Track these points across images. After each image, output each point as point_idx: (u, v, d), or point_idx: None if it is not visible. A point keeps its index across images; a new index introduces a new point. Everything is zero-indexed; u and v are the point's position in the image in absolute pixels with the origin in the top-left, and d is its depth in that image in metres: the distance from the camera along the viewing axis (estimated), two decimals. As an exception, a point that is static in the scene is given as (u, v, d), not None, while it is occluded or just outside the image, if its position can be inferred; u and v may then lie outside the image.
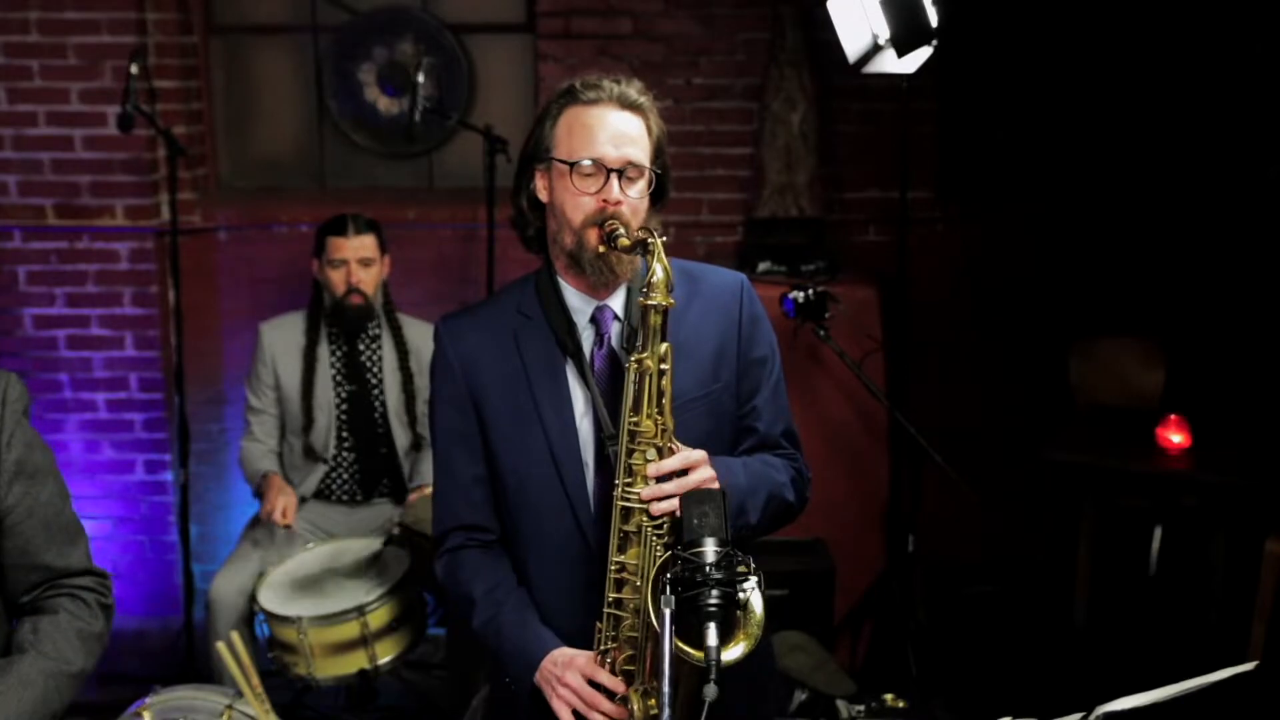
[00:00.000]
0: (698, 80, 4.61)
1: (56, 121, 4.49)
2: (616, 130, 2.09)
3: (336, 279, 3.84)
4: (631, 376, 1.99)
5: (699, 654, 1.75)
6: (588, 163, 2.07)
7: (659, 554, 1.97)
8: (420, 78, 4.21)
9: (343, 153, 4.88)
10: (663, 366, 1.98)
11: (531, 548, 2.20)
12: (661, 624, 1.75)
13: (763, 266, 4.35)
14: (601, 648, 2.07)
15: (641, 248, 2.01)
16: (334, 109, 4.81)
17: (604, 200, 2.07)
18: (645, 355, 1.97)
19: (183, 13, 4.60)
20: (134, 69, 3.93)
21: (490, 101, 4.79)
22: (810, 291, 3.98)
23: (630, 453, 2.00)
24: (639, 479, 1.99)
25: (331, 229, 3.85)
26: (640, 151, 2.11)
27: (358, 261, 3.83)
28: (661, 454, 1.99)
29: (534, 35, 4.68)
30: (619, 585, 2.03)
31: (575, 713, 2.06)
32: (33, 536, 1.98)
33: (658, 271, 1.96)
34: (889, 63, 3.86)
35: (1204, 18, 4.49)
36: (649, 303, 1.96)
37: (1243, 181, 4.57)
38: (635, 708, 2.00)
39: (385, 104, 4.77)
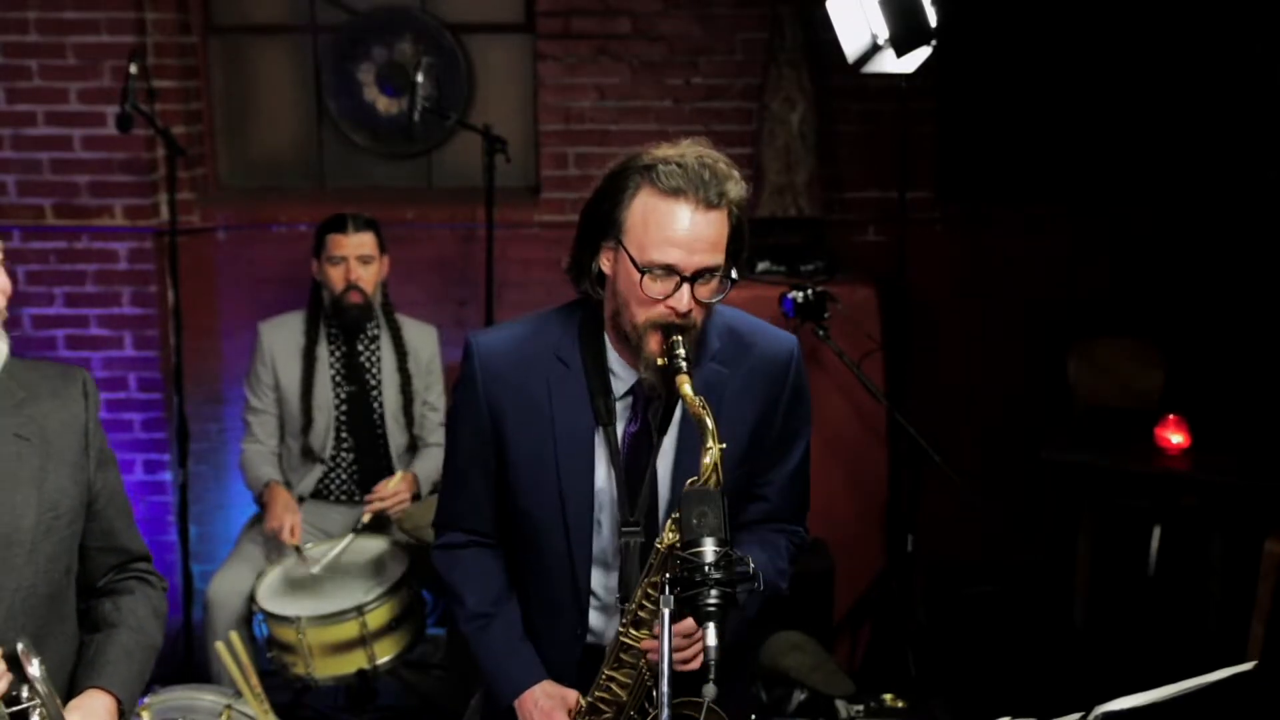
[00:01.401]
0: (697, 80, 4.61)
1: (55, 121, 4.48)
2: (696, 235, 1.93)
3: (335, 276, 3.83)
4: (660, 553, 1.94)
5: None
6: (660, 267, 1.93)
7: (649, 684, 2.00)
8: (419, 77, 4.21)
9: (342, 153, 4.88)
10: None
11: (530, 581, 2.19)
12: (660, 625, 1.75)
13: (762, 266, 4.35)
14: (579, 718, 2.09)
15: (697, 425, 1.89)
16: (333, 109, 4.80)
17: (672, 308, 1.95)
18: (678, 539, 1.89)
19: (182, 12, 4.60)
20: (133, 69, 3.93)
21: (489, 101, 4.79)
22: (809, 291, 3.98)
23: (642, 606, 1.99)
24: (644, 629, 2.01)
25: (331, 227, 3.86)
26: (717, 254, 1.96)
27: (357, 259, 3.83)
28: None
29: (533, 35, 4.68)
30: (605, 689, 2.07)
31: None
32: (114, 519, 2.11)
33: (708, 467, 1.86)
34: (888, 62, 3.86)
35: (1204, 18, 4.49)
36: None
37: (1242, 182, 4.57)
38: None
39: (384, 104, 4.76)
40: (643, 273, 1.94)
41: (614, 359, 2.08)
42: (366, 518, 3.77)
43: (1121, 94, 4.61)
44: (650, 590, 1.98)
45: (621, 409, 2.09)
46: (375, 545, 3.71)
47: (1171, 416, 4.03)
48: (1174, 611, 4.26)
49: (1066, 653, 4.12)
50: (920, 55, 3.82)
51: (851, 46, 3.93)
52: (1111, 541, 4.28)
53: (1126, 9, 4.54)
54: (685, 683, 1.92)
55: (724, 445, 1.87)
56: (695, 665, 1.94)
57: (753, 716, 2.29)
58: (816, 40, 4.39)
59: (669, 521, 1.94)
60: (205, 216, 4.71)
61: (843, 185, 4.69)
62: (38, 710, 1.83)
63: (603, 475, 2.09)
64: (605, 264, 2.03)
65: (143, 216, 4.56)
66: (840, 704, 3.42)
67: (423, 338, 4.03)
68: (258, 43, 4.84)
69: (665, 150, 1.98)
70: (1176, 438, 3.99)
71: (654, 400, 2.07)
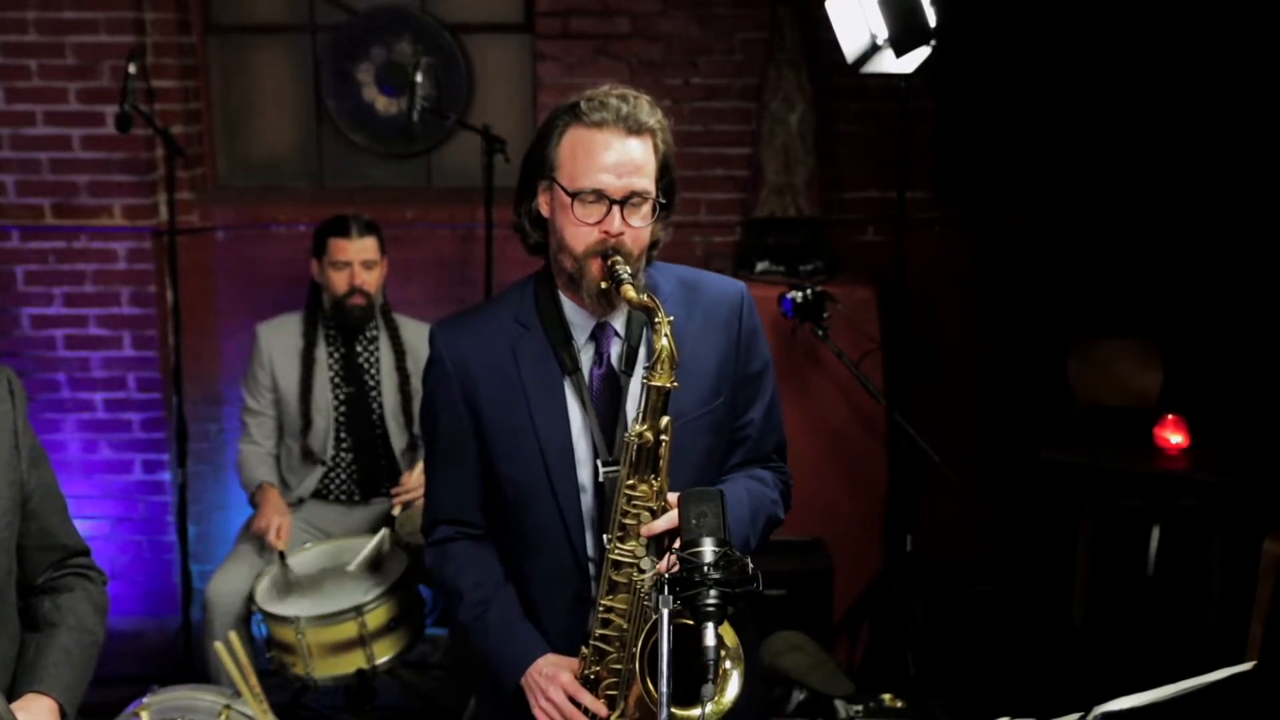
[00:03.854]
0: (696, 80, 4.61)
1: (54, 121, 4.48)
2: (621, 158, 2.04)
3: (339, 280, 3.83)
4: (631, 447, 2.00)
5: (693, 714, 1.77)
6: (590, 192, 2.04)
7: (646, 602, 2.00)
8: (419, 77, 4.21)
9: (341, 153, 4.88)
10: (663, 437, 1.99)
11: (526, 555, 2.20)
12: (659, 625, 1.75)
13: (761, 266, 4.35)
14: (585, 672, 2.10)
15: (645, 314, 2.00)
16: (332, 109, 4.80)
17: (605, 231, 2.04)
18: (645, 428, 1.98)
19: (181, 12, 4.60)
20: (132, 69, 3.93)
21: (489, 101, 4.79)
22: (808, 291, 3.98)
23: (625, 514, 2.03)
24: (631, 538, 2.02)
25: (333, 230, 3.85)
26: (645, 179, 2.06)
27: (361, 264, 3.83)
28: (655, 515, 2.01)
29: (532, 35, 4.68)
30: (605, 624, 2.07)
31: None
32: (50, 516, 2.08)
33: (664, 349, 1.95)
34: (887, 63, 3.85)
35: (1203, 17, 4.49)
36: (653, 384, 1.97)
37: (1241, 182, 4.58)
38: None
39: (384, 104, 4.77)
40: (573, 197, 2.04)
41: (571, 310, 2.15)
42: (396, 510, 3.77)
43: (1121, 94, 4.61)
44: (629, 492, 2.02)
45: (585, 358, 2.16)
46: (374, 544, 3.70)
47: (1171, 416, 4.03)
48: (1173, 611, 4.26)
49: (1066, 652, 4.12)
50: (919, 55, 3.82)
51: (851, 46, 3.93)
52: (1111, 541, 4.28)
53: (1125, 8, 4.54)
54: (685, 686, 1.91)
55: (672, 318, 1.98)
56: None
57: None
58: (816, 40, 4.40)
59: (635, 416, 2.02)
60: (204, 216, 4.72)
61: (842, 185, 4.69)
62: None
63: (578, 423, 2.14)
64: (543, 206, 2.13)
65: (142, 216, 4.56)
66: (839, 704, 3.42)
67: (421, 337, 4.02)
68: (257, 42, 4.84)
69: (588, 91, 2.10)
70: (1176, 437, 3.99)
71: (614, 339, 2.15)
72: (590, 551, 2.16)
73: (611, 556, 2.04)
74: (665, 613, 1.75)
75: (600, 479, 2.11)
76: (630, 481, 2.01)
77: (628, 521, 2.03)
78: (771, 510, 2.22)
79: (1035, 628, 4.32)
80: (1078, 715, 1.80)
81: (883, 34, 3.79)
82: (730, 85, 4.61)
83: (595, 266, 2.05)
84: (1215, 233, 4.60)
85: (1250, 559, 3.85)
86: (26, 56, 4.44)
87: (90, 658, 2.07)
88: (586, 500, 2.15)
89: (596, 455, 2.12)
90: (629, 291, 1.98)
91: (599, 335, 2.15)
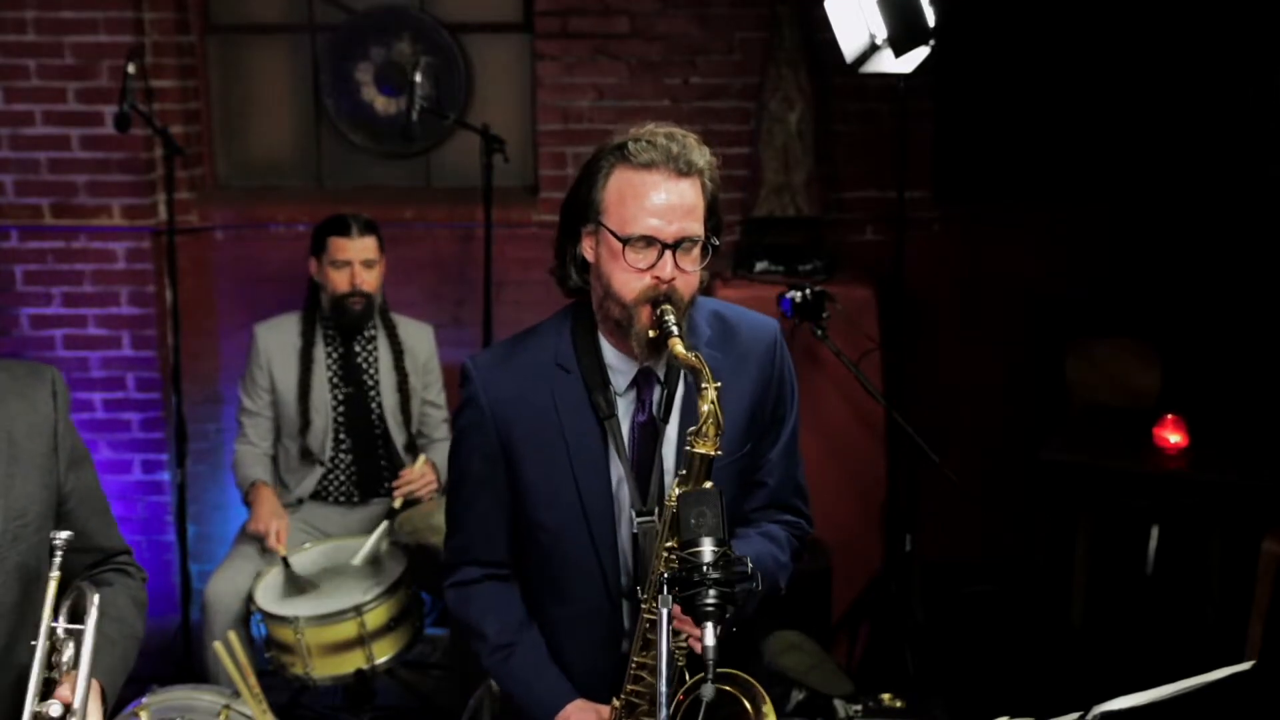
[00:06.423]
0: (695, 80, 4.61)
1: (53, 121, 4.48)
2: (672, 201, 1.97)
3: (339, 280, 3.82)
4: (669, 511, 1.94)
5: None
6: (641, 238, 1.98)
7: (680, 663, 1.96)
8: (418, 77, 4.21)
9: (340, 152, 4.88)
10: None
11: (555, 599, 2.17)
12: (659, 625, 1.75)
13: (760, 266, 4.35)
14: None
15: (693, 375, 1.94)
16: (331, 108, 4.80)
17: (657, 278, 1.98)
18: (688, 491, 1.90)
19: (180, 12, 4.60)
20: (131, 68, 3.93)
21: (488, 101, 4.79)
22: (807, 291, 3.98)
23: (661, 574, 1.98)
24: None
25: (333, 229, 3.84)
26: (696, 222, 2.00)
27: (361, 263, 3.82)
28: None
29: (531, 35, 4.68)
30: (637, 680, 2.04)
31: None
32: (88, 519, 2.03)
33: (709, 414, 1.89)
34: (886, 62, 3.86)
35: (1201, 17, 4.49)
36: (696, 451, 1.90)
37: (1240, 182, 4.58)
38: None
39: (383, 103, 4.76)
40: (624, 243, 1.98)
41: (611, 354, 2.09)
42: (397, 503, 3.77)
43: (1119, 93, 4.61)
44: (665, 554, 1.96)
45: (626, 403, 2.10)
46: (374, 544, 3.70)
47: (1169, 416, 4.03)
48: (1172, 611, 4.26)
49: (1065, 652, 4.12)
50: (918, 55, 3.82)
51: (850, 46, 3.93)
52: (1110, 541, 4.28)
53: (1124, 8, 4.54)
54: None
55: (719, 385, 1.90)
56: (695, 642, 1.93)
57: None
58: (815, 40, 4.40)
59: (675, 480, 1.95)
60: (203, 216, 4.71)
61: (841, 185, 4.69)
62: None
63: (616, 471, 2.09)
64: (588, 250, 2.06)
65: (141, 216, 4.55)
66: (839, 703, 3.42)
67: (419, 336, 4.02)
68: (256, 42, 4.84)
69: (634, 131, 2.04)
70: (1174, 437, 3.99)
71: (656, 386, 2.09)
72: (623, 592, 2.13)
73: (646, 617, 2.00)
74: (665, 612, 1.75)
75: (635, 529, 2.07)
76: (669, 543, 1.94)
77: None
78: (774, 577, 2.16)
79: (1034, 627, 4.32)
80: (1077, 715, 1.80)
81: (882, 34, 3.79)
82: (729, 85, 4.61)
83: (645, 314, 1.98)
84: (1214, 232, 4.60)
85: (1249, 559, 3.85)
86: (25, 56, 4.43)
87: (130, 649, 2.04)
88: (621, 547, 2.11)
89: (633, 505, 2.08)
90: (677, 346, 1.92)
91: (641, 382, 2.10)
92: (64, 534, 1.87)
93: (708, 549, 1.77)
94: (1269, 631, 3.76)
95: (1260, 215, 4.53)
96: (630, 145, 2.00)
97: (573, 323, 2.13)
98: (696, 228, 2.00)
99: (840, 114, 4.63)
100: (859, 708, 3.39)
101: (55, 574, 1.86)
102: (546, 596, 2.18)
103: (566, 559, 2.11)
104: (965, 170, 4.70)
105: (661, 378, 2.09)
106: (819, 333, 3.98)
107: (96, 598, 1.89)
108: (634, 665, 2.04)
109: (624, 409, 2.09)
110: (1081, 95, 4.62)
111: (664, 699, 1.72)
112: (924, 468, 4.10)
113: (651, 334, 1.98)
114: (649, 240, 1.97)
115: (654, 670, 2.00)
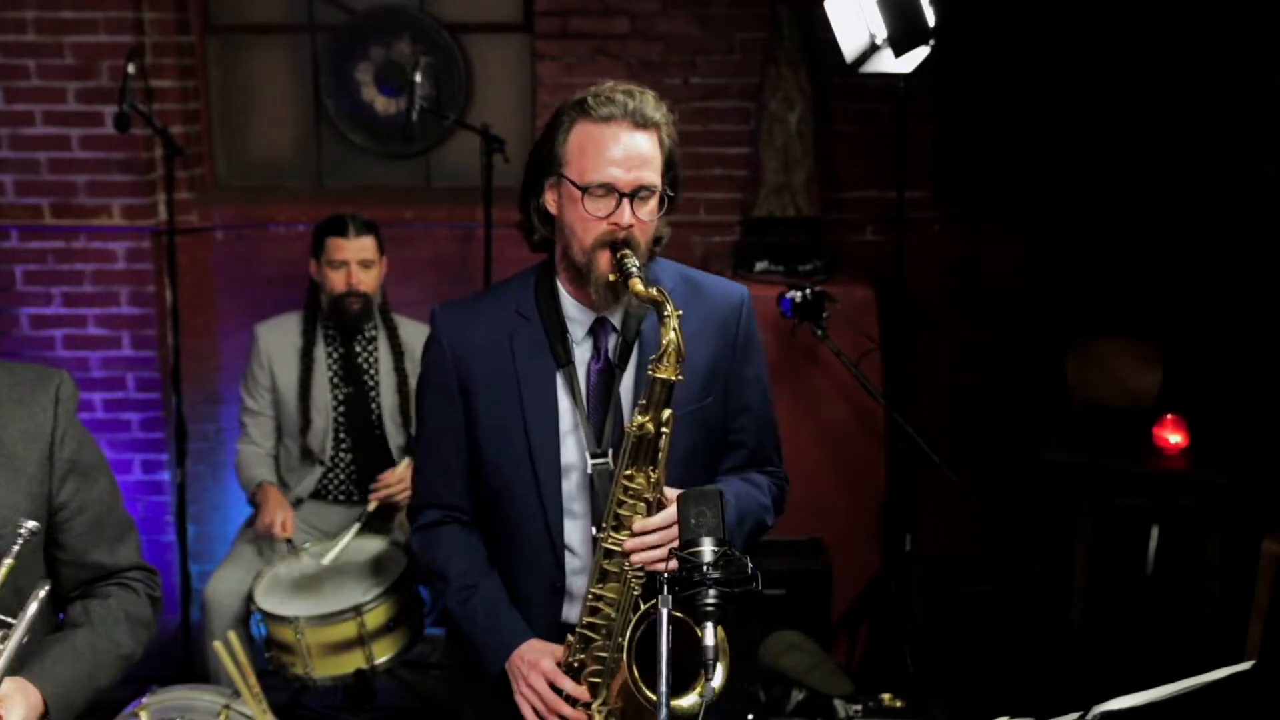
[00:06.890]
0: (695, 80, 4.61)
1: (53, 121, 4.48)
2: (629, 152, 2.07)
3: (336, 280, 3.83)
4: (631, 437, 2.01)
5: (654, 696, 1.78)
6: (599, 186, 2.06)
7: (636, 592, 2.03)
8: (418, 77, 4.21)
9: (340, 152, 4.88)
10: (663, 430, 2.00)
11: (504, 545, 2.24)
12: (659, 625, 1.75)
13: (760, 266, 4.35)
14: (569, 659, 2.11)
15: (654, 307, 2.01)
16: (331, 108, 4.80)
17: (615, 224, 2.06)
18: (647, 419, 2.00)
19: (180, 12, 4.60)
20: (131, 68, 3.93)
21: (488, 101, 4.79)
22: (807, 291, 3.98)
23: (620, 503, 2.04)
24: (625, 528, 2.04)
25: (331, 229, 3.84)
26: (653, 172, 2.09)
27: (358, 263, 3.82)
28: (650, 507, 2.03)
29: (531, 35, 4.68)
30: (593, 611, 2.09)
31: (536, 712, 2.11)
32: (84, 533, 1.99)
33: (670, 342, 1.97)
34: (886, 62, 3.86)
35: (1201, 17, 4.49)
36: (657, 375, 1.98)
37: (1240, 182, 4.58)
38: None
39: (383, 103, 4.76)
40: (584, 191, 2.06)
41: (570, 304, 2.18)
42: (372, 507, 3.78)
43: (1119, 94, 4.61)
44: (626, 482, 2.03)
45: (583, 352, 2.18)
46: (373, 545, 3.71)
47: (1169, 416, 4.03)
48: (1172, 611, 4.26)
49: (1064, 652, 4.12)
50: (918, 55, 3.82)
51: (850, 46, 3.93)
52: (1109, 541, 4.28)
53: (1123, 9, 4.54)
54: (684, 678, 1.92)
55: (680, 313, 1.99)
56: (648, 558, 2.01)
57: (750, 716, 2.30)
58: (815, 40, 4.40)
59: (635, 409, 2.03)
60: (203, 216, 4.71)
61: (841, 185, 4.69)
62: None
63: (567, 416, 2.16)
64: (550, 203, 2.15)
65: (141, 216, 4.55)
66: (838, 703, 3.42)
67: (419, 337, 4.00)
68: (256, 42, 4.83)
69: (594, 89, 2.13)
70: (1174, 437, 3.99)
71: (612, 334, 2.17)
72: (569, 543, 2.19)
73: (604, 545, 2.06)
74: (664, 611, 1.75)
75: (589, 471, 2.14)
76: (629, 472, 2.02)
77: (622, 512, 2.05)
78: (759, 515, 2.24)
79: (1034, 627, 4.32)
80: (1076, 715, 1.80)
81: (882, 34, 3.79)
82: (729, 85, 4.61)
83: (604, 259, 2.07)
84: (1214, 232, 4.60)
85: (1249, 559, 3.85)
86: (25, 56, 4.43)
87: (106, 663, 1.97)
88: (569, 491, 2.17)
89: (585, 448, 2.14)
90: (637, 284, 2.00)
91: (597, 330, 2.18)
92: (30, 524, 1.82)
93: (708, 549, 1.79)
94: (1269, 631, 3.76)
95: (1259, 215, 4.53)
96: (590, 100, 2.09)
97: (537, 277, 2.23)
98: (653, 178, 2.09)
99: (840, 114, 4.63)
100: (859, 708, 3.39)
101: (9, 561, 1.81)
102: (496, 542, 2.25)
103: (513, 501, 2.19)
104: (965, 170, 4.70)
105: (618, 327, 2.17)
106: (819, 333, 3.98)
107: (41, 594, 1.84)
108: (590, 597, 2.09)
109: (580, 357, 2.18)
110: (1081, 95, 4.62)
111: (663, 699, 1.71)
112: (924, 468, 4.10)
113: (611, 277, 2.06)
114: (607, 189, 2.06)
115: (611, 603, 2.06)
